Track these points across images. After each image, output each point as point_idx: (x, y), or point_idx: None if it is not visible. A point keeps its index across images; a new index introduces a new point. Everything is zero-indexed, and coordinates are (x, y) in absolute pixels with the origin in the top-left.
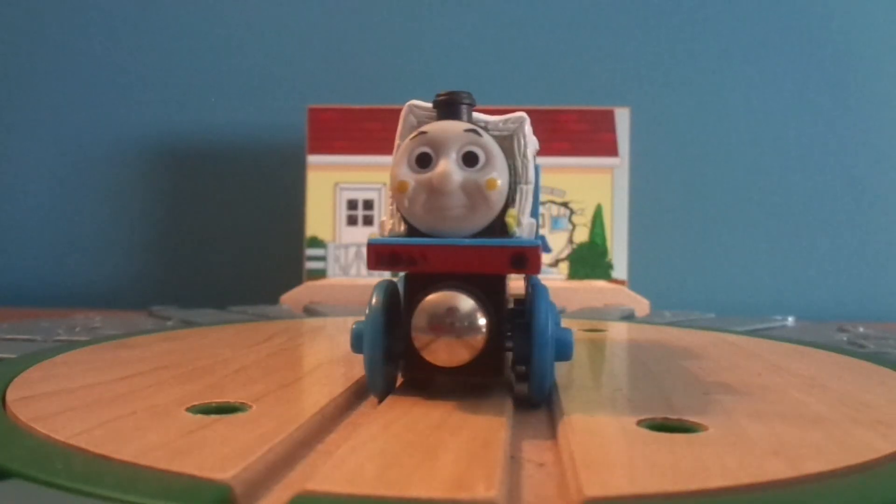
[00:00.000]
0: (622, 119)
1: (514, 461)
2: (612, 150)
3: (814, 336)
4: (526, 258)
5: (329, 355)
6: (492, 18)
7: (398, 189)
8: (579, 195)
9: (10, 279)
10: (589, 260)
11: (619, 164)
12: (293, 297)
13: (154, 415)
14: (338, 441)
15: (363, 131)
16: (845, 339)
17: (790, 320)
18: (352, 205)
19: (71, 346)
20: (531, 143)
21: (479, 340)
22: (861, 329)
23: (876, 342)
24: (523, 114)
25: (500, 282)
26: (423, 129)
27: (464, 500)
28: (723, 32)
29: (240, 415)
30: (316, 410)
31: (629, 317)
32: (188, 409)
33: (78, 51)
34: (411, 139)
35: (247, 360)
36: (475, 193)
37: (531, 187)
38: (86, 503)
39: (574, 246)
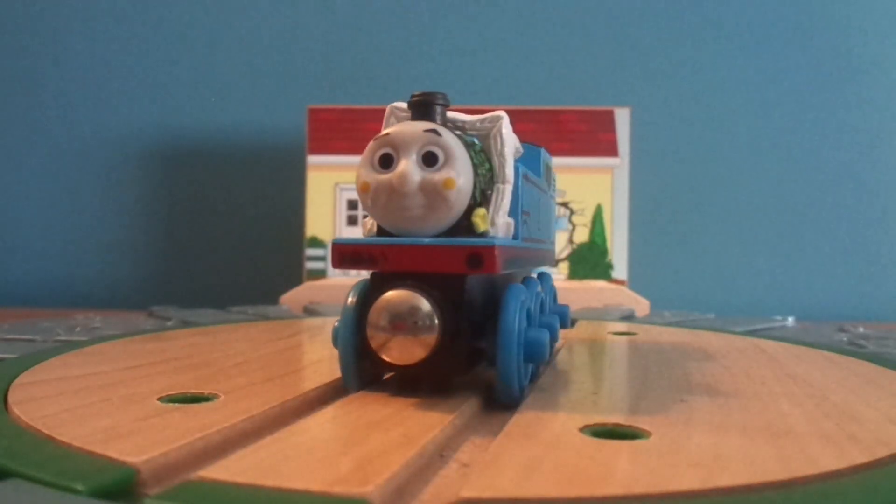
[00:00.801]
0: (622, 119)
1: (442, 459)
2: (612, 150)
3: (814, 336)
4: (481, 258)
5: (333, 352)
6: (492, 19)
7: (361, 190)
8: (579, 195)
9: (10, 279)
10: (589, 260)
11: (619, 164)
12: (293, 297)
13: (125, 402)
14: (286, 433)
15: (363, 131)
16: (845, 339)
17: (790, 320)
18: (352, 205)
19: (71, 346)
20: (509, 142)
21: (430, 339)
22: (861, 329)
23: (876, 342)
24: (500, 112)
25: (460, 281)
26: (387, 130)
27: (336, 494)
28: (723, 33)
29: (203, 404)
30: (276, 404)
31: (629, 317)
32: (160, 399)
33: (78, 51)
34: (375, 140)
35: (253, 355)
36: (433, 193)
37: (509, 186)
38: (85, 503)
39: (574, 246)
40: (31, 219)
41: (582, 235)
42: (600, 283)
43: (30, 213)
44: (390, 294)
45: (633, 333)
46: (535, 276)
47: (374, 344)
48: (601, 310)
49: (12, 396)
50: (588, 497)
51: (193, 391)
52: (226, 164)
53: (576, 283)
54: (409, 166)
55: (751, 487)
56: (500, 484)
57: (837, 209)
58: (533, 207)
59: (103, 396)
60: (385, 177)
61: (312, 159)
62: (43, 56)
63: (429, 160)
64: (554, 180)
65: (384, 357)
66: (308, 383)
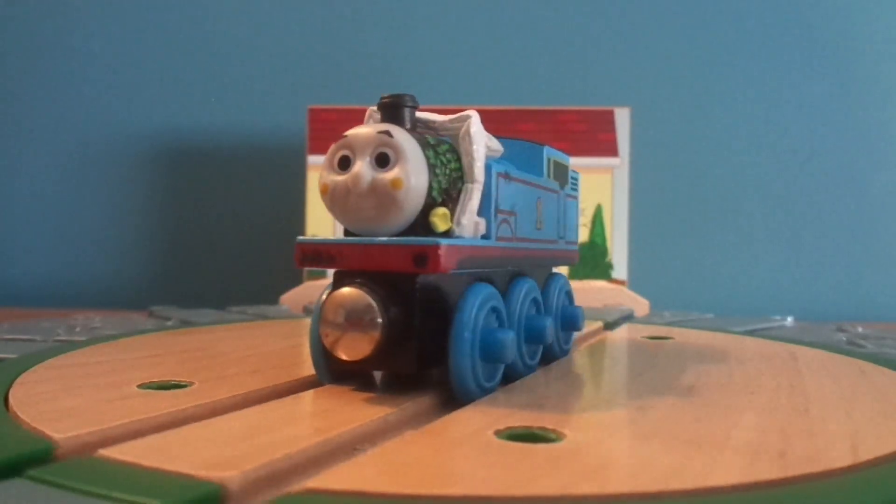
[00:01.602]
0: (622, 119)
1: (354, 452)
2: (612, 150)
3: (813, 336)
4: (426, 257)
5: None
6: (492, 19)
7: (321, 191)
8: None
9: (10, 279)
10: (589, 260)
11: (619, 164)
12: (293, 297)
13: (105, 387)
14: (219, 419)
15: None
16: (844, 339)
17: (789, 320)
18: None
19: (72, 346)
20: (477, 140)
21: (374, 336)
22: (860, 329)
23: (875, 342)
24: (469, 112)
25: (411, 280)
26: (346, 132)
27: (198, 476)
28: (722, 33)
29: (174, 391)
30: (240, 393)
31: (629, 317)
32: (139, 385)
33: (78, 51)
34: (335, 143)
35: (260, 351)
36: (383, 193)
37: (478, 186)
38: (87, 503)
39: None
40: (31, 219)
41: (582, 235)
42: (600, 283)
43: (30, 213)
44: (339, 292)
45: (668, 338)
46: (523, 276)
47: (324, 340)
48: (601, 310)
49: (13, 396)
50: (425, 495)
51: (174, 379)
52: (226, 164)
53: (576, 283)
54: (362, 167)
55: (630, 496)
56: (354, 477)
57: (836, 209)
58: (522, 206)
59: (93, 383)
60: (342, 178)
61: (312, 159)
62: (42, 56)
63: (381, 161)
64: (574, 179)
65: (334, 352)
66: (285, 376)
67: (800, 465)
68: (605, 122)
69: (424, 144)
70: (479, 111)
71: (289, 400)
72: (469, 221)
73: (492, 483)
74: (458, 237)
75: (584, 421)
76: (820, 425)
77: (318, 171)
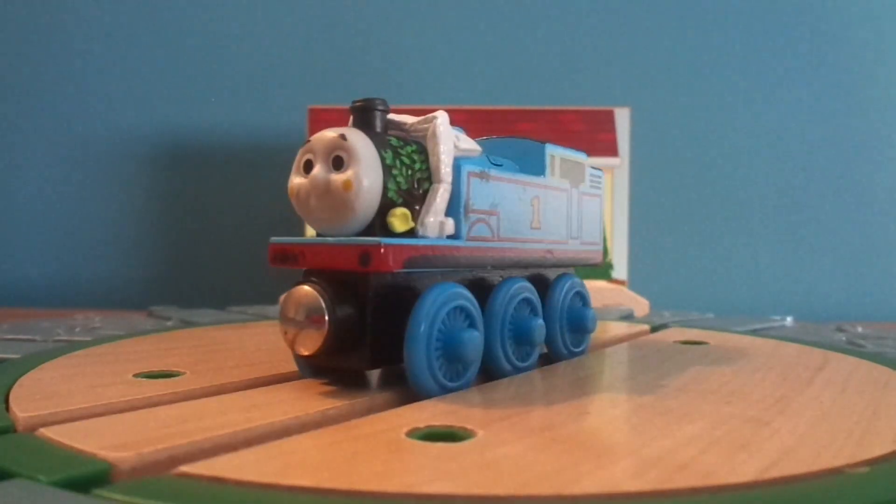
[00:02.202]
0: (622, 119)
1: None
2: (611, 151)
3: (812, 336)
4: (370, 256)
5: None
6: (492, 19)
7: (289, 194)
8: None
9: (10, 279)
10: None
11: (619, 164)
12: None
13: (104, 374)
14: (177, 406)
15: None
16: (844, 338)
17: (789, 320)
18: None
19: (72, 346)
20: (443, 141)
21: (321, 333)
22: (859, 329)
23: (874, 342)
24: (437, 113)
25: (365, 278)
26: (311, 137)
27: (97, 455)
28: (723, 33)
29: (163, 380)
30: (219, 383)
31: (628, 317)
32: (134, 375)
33: (78, 51)
34: (302, 147)
35: (268, 345)
36: (336, 195)
37: (443, 186)
38: (87, 503)
39: None
40: (32, 219)
41: None
42: (600, 283)
43: (30, 213)
44: (294, 290)
45: (702, 343)
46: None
47: (283, 336)
48: (601, 310)
49: (14, 396)
50: (281, 485)
51: (167, 370)
52: (226, 164)
53: None
54: (320, 170)
55: (483, 498)
56: (233, 466)
57: (836, 209)
58: (508, 206)
59: (96, 371)
60: (304, 180)
61: None
62: (42, 56)
63: (336, 164)
64: (595, 177)
65: (292, 348)
66: (271, 371)
67: (690, 478)
68: (605, 122)
69: (384, 146)
70: (480, 111)
71: (253, 391)
72: (433, 221)
73: (355, 477)
74: (421, 237)
75: (506, 423)
76: (761, 440)
77: None
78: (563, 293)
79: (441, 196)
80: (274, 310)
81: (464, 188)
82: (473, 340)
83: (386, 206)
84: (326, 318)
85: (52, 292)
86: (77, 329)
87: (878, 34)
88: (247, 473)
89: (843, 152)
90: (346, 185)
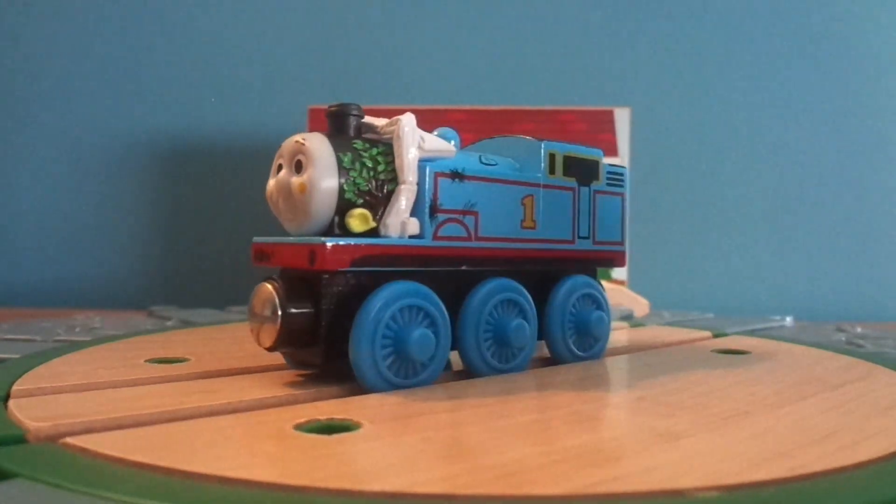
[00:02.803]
0: (622, 119)
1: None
2: (612, 150)
3: (812, 336)
4: (315, 255)
5: None
6: (492, 19)
7: (267, 197)
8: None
9: (10, 279)
10: None
11: (619, 164)
12: None
13: (115, 360)
14: (153, 390)
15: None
16: (843, 339)
17: (788, 320)
18: None
19: (72, 346)
20: (407, 142)
21: (274, 328)
22: (859, 329)
23: (874, 342)
24: (404, 115)
25: (316, 276)
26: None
27: (23, 425)
28: (722, 33)
29: (166, 365)
30: (213, 369)
31: (628, 317)
32: (146, 360)
33: (78, 51)
34: (278, 153)
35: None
36: (295, 197)
37: (406, 187)
38: (87, 503)
39: None
40: (31, 219)
41: None
42: None
43: (30, 213)
44: (257, 286)
45: (743, 352)
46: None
47: (250, 331)
48: None
49: (14, 396)
50: (121, 458)
51: (176, 356)
52: (226, 164)
53: None
54: (284, 174)
55: (341, 492)
56: (113, 442)
57: (836, 209)
58: (490, 205)
59: (109, 356)
60: (273, 184)
61: None
62: (42, 55)
63: (297, 167)
64: (614, 174)
65: (257, 341)
66: (266, 362)
67: (501, 485)
68: (605, 122)
69: (344, 149)
70: (480, 111)
71: (226, 378)
72: (395, 221)
73: (188, 458)
74: (383, 237)
75: (399, 422)
76: (669, 453)
77: None
78: (565, 295)
79: (404, 196)
80: None
81: (428, 188)
82: (421, 339)
83: (344, 206)
84: (280, 313)
85: (52, 292)
86: (77, 329)
87: (878, 34)
88: (106, 448)
89: (844, 152)
90: (301, 187)
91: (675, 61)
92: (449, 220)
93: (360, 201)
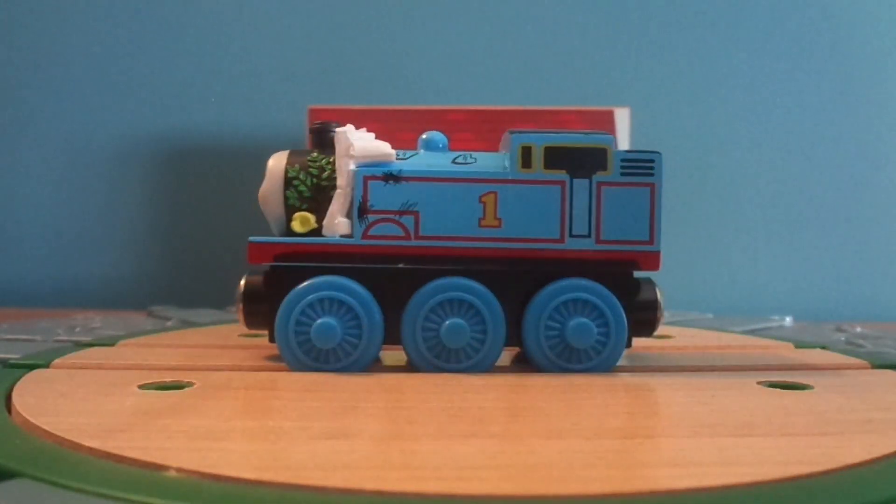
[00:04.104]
0: (622, 119)
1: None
2: None
3: (812, 336)
4: (248, 252)
5: None
6: (491, 19)
7: None
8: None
9: (10, 279)
10: None
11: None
12: None
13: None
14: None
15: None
16: (843, 339)
17: (788, 320)
18: None
19: (72, 346)
20: (339, 151)
21: (239, 313)
22: (858, 329)
23: (873, 342)
24: (341, 127)
25: (271, 270)
26: None
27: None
28: (723, 32)
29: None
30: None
31: None
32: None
33: (77, 50)
34: None
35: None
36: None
37: (338, 191)
38: (89, 502)
39: None
40: (31, 219)
41: None
42: None
43: (30, 213)
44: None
45: (802, 387)
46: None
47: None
48: None
49: (15, 396)
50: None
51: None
52: (226, 164)
53: None
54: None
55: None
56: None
57: (836, 209)
58: (436, 204)
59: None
60: None
61: None
62: (42, 55)
63: None
64: (630, 162)
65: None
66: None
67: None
68: (605, 122)
69: (294, 162)
70: (480, 111)
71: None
72: (328, 223)
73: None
74: (322, 237)
75: (223, 391)
76: (458, 457)
77: None
78: (545, 298)
79: (336, 200)
80: None
81: (358, 192)
82: (322, 330)
83: (291, 211)
84: (241, 303)
85: (52, 292)
86: (77, 329)
87: (878, 34)
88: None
89: (844, 152)
90: (259, 198)
91: (675, 61)
92: (381, 220)
93: (305, 206)
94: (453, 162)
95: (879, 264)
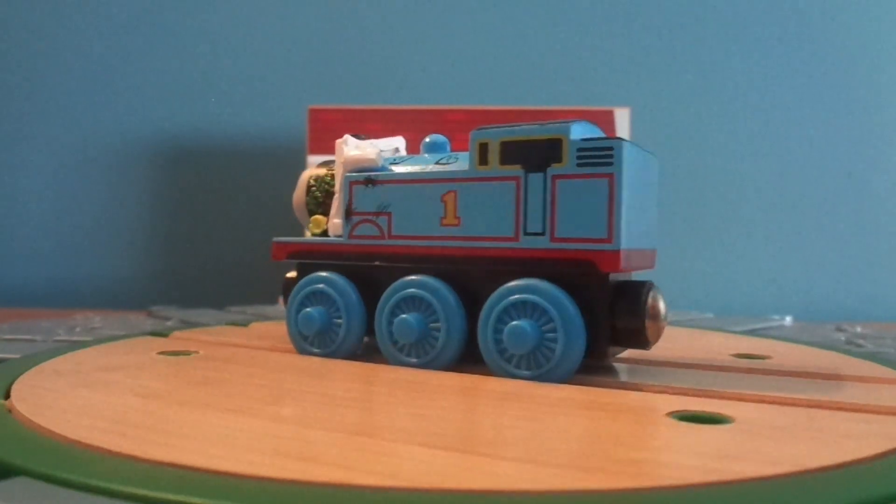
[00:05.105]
0: (622, 119)
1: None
2: None
3: (812, 336)
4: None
5: None
6: (492, 19)
7: None
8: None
9: (10, 279)
10: None
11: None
12: None
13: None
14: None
15: (364, 132)
16: (843, 338)
17: (788, 320)
18: None
19: (72, 346)
20: (336, 160)
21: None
22: (858, 329)
23: (873, 342)
24: (341, 139)
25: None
26: None
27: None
28: (723, 32)
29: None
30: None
31: None
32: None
33: (78, 51)
34: None
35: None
36: None
37: (338, 196)
38: (89, 502)
39: None
40: (31, 219)
41: None
42: None
43: (30, 213)
44: None
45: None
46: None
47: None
48: None
49: (15, 396)
50: None
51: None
52: (226, 164)
53: None
54: None
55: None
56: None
57: (836, 209)
58: (405, 204)
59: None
60: None
61: (312, 159)
62: (42, 55)
63: None
64: (587, 152)
65: None
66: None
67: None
68: (605, 122)
69: (317, 173)
70: (480, 111)
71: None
72: (331, 224)
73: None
74: (326, 238)
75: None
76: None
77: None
78: (494, 300)
79: (334, 204)
80: (273, 309)
81: (345, 195)
82: (304, 317)
83: (311, 215)
84: (282, 293)
85: (52, 292)
86: (77, 329)
87: (878, 34)
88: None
89: (844, 152)
90: (293, 203)
91: (675, 61)
92: (363, 221)
93: (320, 210)
94: (436, 163)
95: (879, 264)
